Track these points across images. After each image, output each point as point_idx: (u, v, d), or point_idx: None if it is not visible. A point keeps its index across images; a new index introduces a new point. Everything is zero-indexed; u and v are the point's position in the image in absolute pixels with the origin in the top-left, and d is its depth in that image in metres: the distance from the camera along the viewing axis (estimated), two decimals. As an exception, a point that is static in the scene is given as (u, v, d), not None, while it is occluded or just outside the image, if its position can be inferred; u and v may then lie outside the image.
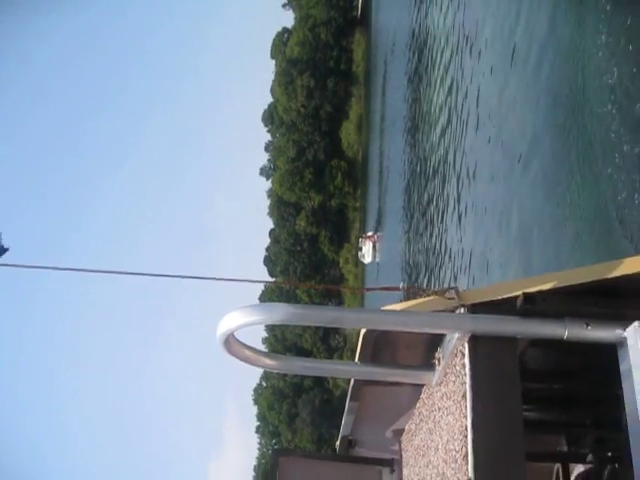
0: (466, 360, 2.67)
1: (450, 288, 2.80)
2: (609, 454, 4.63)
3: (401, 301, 3.03)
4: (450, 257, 27.20)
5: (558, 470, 4.92)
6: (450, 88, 30.08)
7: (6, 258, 2.99)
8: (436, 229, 31.86)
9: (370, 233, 72.22)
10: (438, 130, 33.17)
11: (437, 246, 31.25)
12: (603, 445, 4.58)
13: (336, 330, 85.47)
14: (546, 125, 15.40)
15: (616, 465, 4.58)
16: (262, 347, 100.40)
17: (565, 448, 4.88)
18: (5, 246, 2.97)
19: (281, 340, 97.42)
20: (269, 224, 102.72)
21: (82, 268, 3.02)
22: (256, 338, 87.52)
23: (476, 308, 2.69)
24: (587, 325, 2.55)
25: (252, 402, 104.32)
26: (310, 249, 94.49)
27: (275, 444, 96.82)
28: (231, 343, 2.83)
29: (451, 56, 30.33)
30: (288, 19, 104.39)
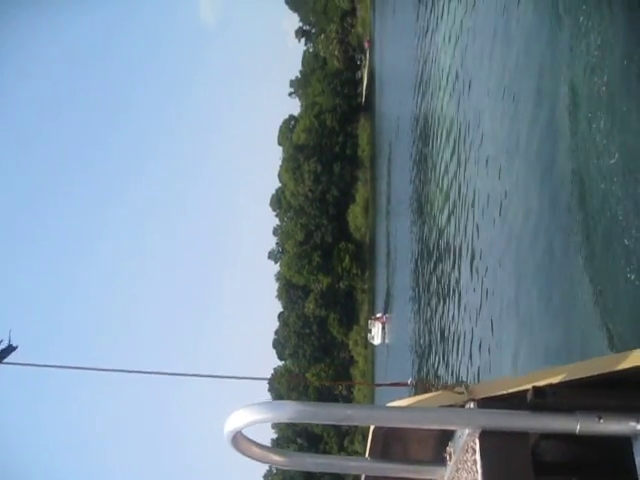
0: (477, 456, 2.62)
1: (459, 383, 2.78)
2: None
3: (410, 395, 3.01)
4: (459, 343, 26.94)
5: None
6: (455, 169, 30.47)
7: (16, 357, 3.00)
8: (444, 311, 31.70)
9: (379, 314, 71.90)
10: (444, 211, 33.43)
11: (445, 328, 31.02)
12: None
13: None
14: (552, 207, 15.47)
15: None
16: (272, 431, 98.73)
17: None
18: (14, 344, 2.99)
19: (291, 425, 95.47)
20: (278, 307, 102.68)
21: (90, 367, 3.02)
22: (266, 423, 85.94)
23: (486, 403, 2.66)
24: (600, 418, 2.51)
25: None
26: (319, 331, 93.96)
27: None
28: (239, 441, 2.80)
29: (455, 139, 30.87)
30: (294, 107, 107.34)
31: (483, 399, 2.68)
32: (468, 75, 28.25)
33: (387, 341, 68.39)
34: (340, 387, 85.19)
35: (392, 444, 3.15)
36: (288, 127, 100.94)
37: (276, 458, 3.06)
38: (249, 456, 2.91)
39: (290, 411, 2.63)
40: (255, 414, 2.64)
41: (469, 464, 2.73)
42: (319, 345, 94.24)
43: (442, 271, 33.38)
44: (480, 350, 22.53)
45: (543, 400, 2.52)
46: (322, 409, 2.77)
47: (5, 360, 2.94)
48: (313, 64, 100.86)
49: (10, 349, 2.97)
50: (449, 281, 30.68)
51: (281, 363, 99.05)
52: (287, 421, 2.67)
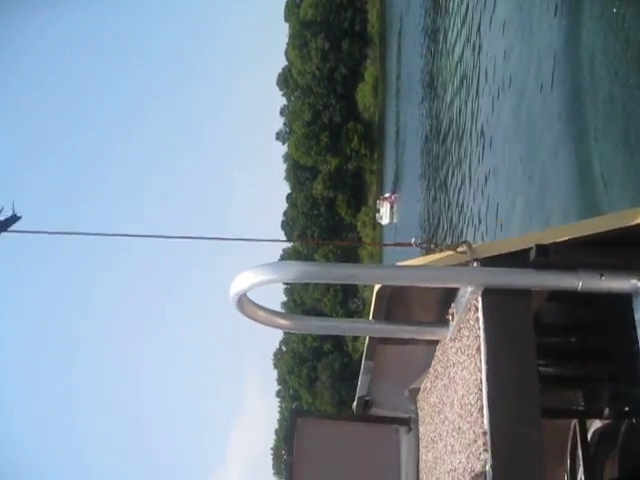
0: (479, 314, 2.65)
1: (462, 242, 2.77)
2: (626, 409, 4.61)
3: (416, 258, 3.02)
4: (466, 215, 27.16)
5: (575, 426, 4.92)
6: (467, 43, 29.68)
7: (19, 226, 3.00)
8: (452, 188, 31.74)
9: (387, 194, 72.02)
10: (455, 88, 32.83)
11: (453, 205, 31.17)
12: (620, 400, 4.57)
13: (355, 293, 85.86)
14: (565, 83, 15.17)
15: (634, 420, 4.57)
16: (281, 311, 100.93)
17: (582, 404, 4.87)
18: (18, 214, 2.98)
19: (300, 304, 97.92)
20: (286, 189, 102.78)
21: (95, 232, 3.02)
22: (275, 302, 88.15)
23: (489, 262, 2.66)
24: (601, 276, 2.51)
25: (272, 366, 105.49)
26: (327, 213, 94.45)
27: (295, 408, 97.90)
28: (244, 303, 2.81)
29: (468, 7, 29.86)
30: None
31: (486, 258, 2.67)
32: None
33: (395, 220, 68.84)
34: (348, 261, 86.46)
35: (396, 306, 3.18)
36: (295, 2, 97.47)
37: (281, 321, 3.09)
38: (254, 319, 2.94)
39: (295, 271, 2.64)
40: (260, 275, 2.64)
41: (471, 322, 2.76)
42: (327, 226, 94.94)
43: (450, 149, 33.19)
44: (486, 221, 22.79)
45: (545, 258, 2.51)
46: (327, 268, 2.78)
47: (9, 229, 2.94)
48: None
49: (14, 218, 2.96)
50: (457, 156, 30.59)
51: (290, 244, 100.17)
52: (292, 281, 2.67)
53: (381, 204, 72.74)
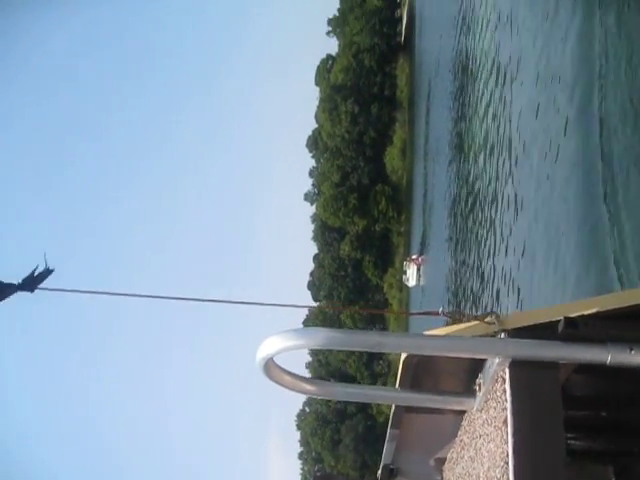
0: (507, 385, 2.63)
1: (490, 313, 2.77)
2: None
3: (443, 327, 3.02)
4: (493, 281, 26.98)
5: None
6: (495, 111, 29.97)
7: (52, 281, 3.03)
8: (480, 252, 31.62)
9: (415, 256, 71.89)
10: (483, 153, 33.01)
11: (480, 270, 31.00)
12: None
13: (380, 356, 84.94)
14: (590, 150, 15.24)
15: None
16: (305, 372, 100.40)
17: (612, 479, 4.74)
18: (50, 267, 3.01)
19: (325, 365, 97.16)
20: (313, 249, 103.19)
21: (124, 293, 3.06)
22: (299, 363, 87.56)
23: (516, 333, 2.66)
24: (631, 349, 2.50)
25: (295, 428, 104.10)
26: (354, 274, 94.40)
27: (317, 470, 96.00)
28: (271, 368, 2.82)
29: (496, 78, 30.26)
30: (332, 46, 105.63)
31: (513, 329, 2.67)
32: (512, 11, 27.49)
33: (422, 283, 68.49)
34: (374, 329, 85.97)
35: (422, 375, 3.17)
36: (325, 67, 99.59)
37: (307, 387, 3.09)
38: (280, 383, 2.94)
39: (322, 337, 2.65)
40: (287, 340, 2.66)
41: (498, 394, 2.74)
42: (354, 287, 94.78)
43: (478, 211, 33.18)
44: (513, 286, 22.61)
45: (574, 331, 2.51)
46: (354, 335, 2.78)
47: (41, 285, 2.97)
48: (351, 2, 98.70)
49: (47, 272, 2.98)
50: (485, 221, 30.56)
51: (316, 304, 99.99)
52: (319, 347, 2.68)
53: (408, 265, 72.58)
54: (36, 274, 2.92)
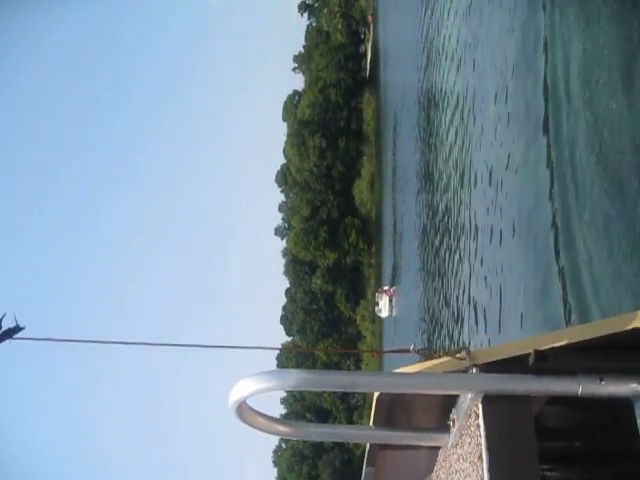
0: (480, 420, 2.64)
1: (461, 349, 2.78)
2: None
3: (415, 362, 3.02)
4: (464, 312, 27.13)
5: None
6: (461, 141, 30.39)
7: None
8: (450, 283, 31.81)
9: (386, 287, 72.11)
10: (451, 183, 33.38)
11: (451, 300, 31.17)
12: None
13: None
14: (560, 181, 15.47)
15: None
16: (281, 407, 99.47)
17: None
18: (20, 325, 3.00)
19: (300, 400, 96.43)
20: (285, 283, 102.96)
21: (103, 340, 3.03)
22: (275, 398, 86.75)
23: (488, 367, 2.67)
24: (601, 380, 2.52)
25: (272, 464, 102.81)
26: (326, 307, 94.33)
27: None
28: (244, 411, 2.80)
29: (460, 110, 30.73)
30: (298, 82, 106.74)
31: (485, 364, 2.69)
32: (473, 45, 28.05)
33: (394, 313, 68.65)
34: (348, 362, 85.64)
35: (396, 412, 3.17)
36: (292, 102, 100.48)
37: (280, 428, 3.07)
38: (253, 426, 2.92)
39: (295, 379, 2.64)
40: (260, 382, 2.64)
41: (472, 429, 2.75)
42: (326, 320, 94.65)
43: (448, 241, 33.47)
44: (483, 318, 22.76)
45: (544, 363, 2.53)
46: (327, 376, 2.78)
47: (15, 336, 2.96)
48: (317, 39, 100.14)
49: (16, 329, 2.98)
50: (454, 251, 30.82)
51: (289, 339, 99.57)
52: (292, 389, 2.68)
53: (380, 297, 72.77)
54: (4, 328, 2.91)
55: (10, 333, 2.88)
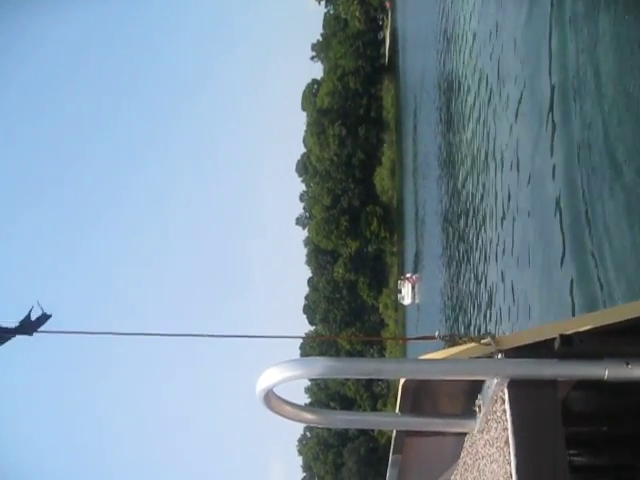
0: (506, 406, 2.64)
1: (486, 334, 2.78)
2: None
3: (439, 349, 3.03)
4: (487, 298, 26.99)
5: None
6: (483, 123, 30.12)
7: (50, 325, 3.06)
8: (474, 269, 31.64)
9: (409, 274, 71.98)
10: (473, 168, 33.13)
11: (475, 286, 31.00)
12: None
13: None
14: (589, 164, 15.28)
15: None
16: (305, 396, 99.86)
17: None
18: (48, 313, 3.05)
19: (324, 389, 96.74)
20: (307, 273, 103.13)
21: (120, 332, 3.07)
22: (299, 387, 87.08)
23: (513, 353, 2.67)
24: (627, 364, 2.51)
25: (297, 453, 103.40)
26: (349, 296, 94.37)
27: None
28: (271, 399, 2.83)
29: (482, 93, 30.45)
30: (317, 71, 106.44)
31: (510, 349, 2.69)
32: (493, 28, 27.78)
33: (417, 301, 68.50)
34: (371, 350, 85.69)
35: (422, 399, 3.17)
36: (311, 91, 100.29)
37: (307, 416, 3.09)
38: (281, 414, 2.95)
39: (321, 366, 2.66)
40: (286, 371, 2.67)
41: (498, 414, 2.75)
42: (349, 309, 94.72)
43: (471, 228, 33.24)
44: (508, 302, 22.60)
45: (570, 348, 2.52)
46: (353, 363, 2.79)
47: (40, 329, 3.00)
48: (334, 26, 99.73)
49: (44, 317, 3.03)
50: (478, 236, 30.61)
51: (312, 328, 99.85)
52: (318, 377, 2.69)
53: (402, 284, 72.64)
54: (33, 318, 2.96)
55: (41, 321, 2.93)
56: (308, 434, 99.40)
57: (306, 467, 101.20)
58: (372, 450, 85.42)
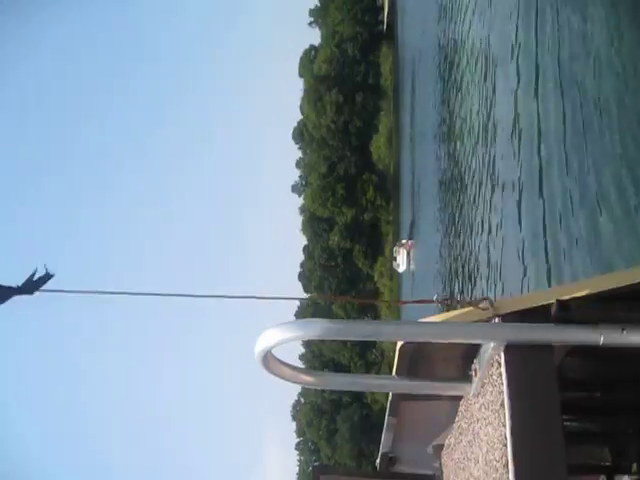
0: (502, 369, 2.67)
1: (484, 299, 2.80)
2: None
3: (436, 314, 3.05)
4: (484, 264, 27.08)
5: None
6: (480, 93, 30.00)
7: (52, 285, 3.05)
8: (470, 236, 31.71)
9: (404, 240, 72.01)
10: (470, 137, 33.04)
11: (471, 253, 31.09)
12: None
13: (373, 345, 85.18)
14: (582, 132, 15.24)
15: None
16: (299, 363, 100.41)
17: (609, 459, 4.79)
18: (50, 272, 3.04)
19: (318, 356, 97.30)
20: (303, 240, 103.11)
21: (120, 291, 3.08)
22: (293, 355, 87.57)
23: (510, 317, 2.69)
24: (623, 330, 2.53)
25: (290, 418, 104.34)
26: (344, 264, 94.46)
27: (315, 461, 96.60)
28: (269, 361, 2.85)
29: (481, 61, 30.26)
30: (314, 37, 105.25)
31: (507, 314, 2.70)
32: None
33: (412, 267, 68.62)
34: (367, 318, 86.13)
35: (419, 362, 3.20)
36: (309, 58, 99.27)
37: (305, 378, 3.12)
38: (279, 375, 2.97)
39: (319, 328, 2.68)
40: (285, 332, 2.69)
41: (494, 377, 2.78)
42: (344, 277, 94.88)
43: (468, 194, 33.25)
44: (504, 271, 22.69)
45: (567, 313, 2.54)
46: (351, 325, 2.82)
47: (42, 288, 3.00)
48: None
49: (47, 276, 3.02)
50: (475, 203, 30.63)
51: (307, 296, 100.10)
52: (316, 338, 2.71)
53: (398, 251, 72.61)
54: (36, 278, 2.95)
55: (42, 280, 2.93)
56: (302, 400, 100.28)
57: (300, 433, 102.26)
58: (365, 417, 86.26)
